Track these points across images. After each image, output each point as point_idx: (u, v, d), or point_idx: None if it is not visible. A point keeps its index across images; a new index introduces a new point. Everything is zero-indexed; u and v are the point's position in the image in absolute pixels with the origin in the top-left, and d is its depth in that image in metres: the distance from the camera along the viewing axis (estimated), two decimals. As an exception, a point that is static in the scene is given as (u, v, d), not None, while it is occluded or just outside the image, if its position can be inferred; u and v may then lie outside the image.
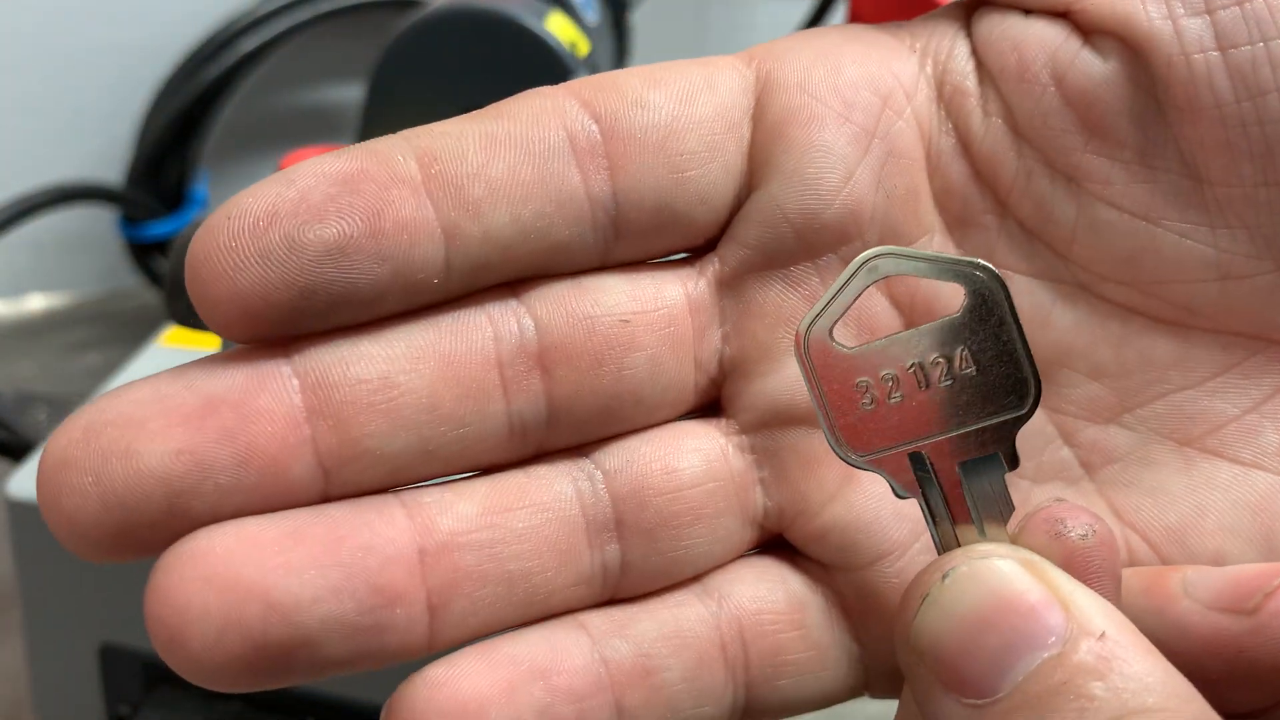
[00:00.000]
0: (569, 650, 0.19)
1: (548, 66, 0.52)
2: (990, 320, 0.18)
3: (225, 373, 0.18)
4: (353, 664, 0.18)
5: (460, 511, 0.19)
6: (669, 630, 0.19)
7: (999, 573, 0.16)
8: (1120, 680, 0.15)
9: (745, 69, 0.20)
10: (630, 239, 0.20)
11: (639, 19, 0.69)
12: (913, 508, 0.19)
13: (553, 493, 0.19)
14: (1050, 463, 0.21)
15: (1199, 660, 0.18)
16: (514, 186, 0.18)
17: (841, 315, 0.18)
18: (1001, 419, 0.18)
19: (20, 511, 0.37)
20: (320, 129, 0.77)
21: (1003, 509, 0.18)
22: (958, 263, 0.18)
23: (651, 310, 0.20)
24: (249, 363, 0.18)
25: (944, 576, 0.17)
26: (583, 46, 0.54)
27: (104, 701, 0.39)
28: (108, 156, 0.71)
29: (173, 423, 0.17)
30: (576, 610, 0.19)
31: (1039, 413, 0.18)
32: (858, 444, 0.18)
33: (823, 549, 0.20)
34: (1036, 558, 0.17)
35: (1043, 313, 0.20)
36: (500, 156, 0.19)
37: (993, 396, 0.18)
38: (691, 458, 0.20)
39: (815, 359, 0.18)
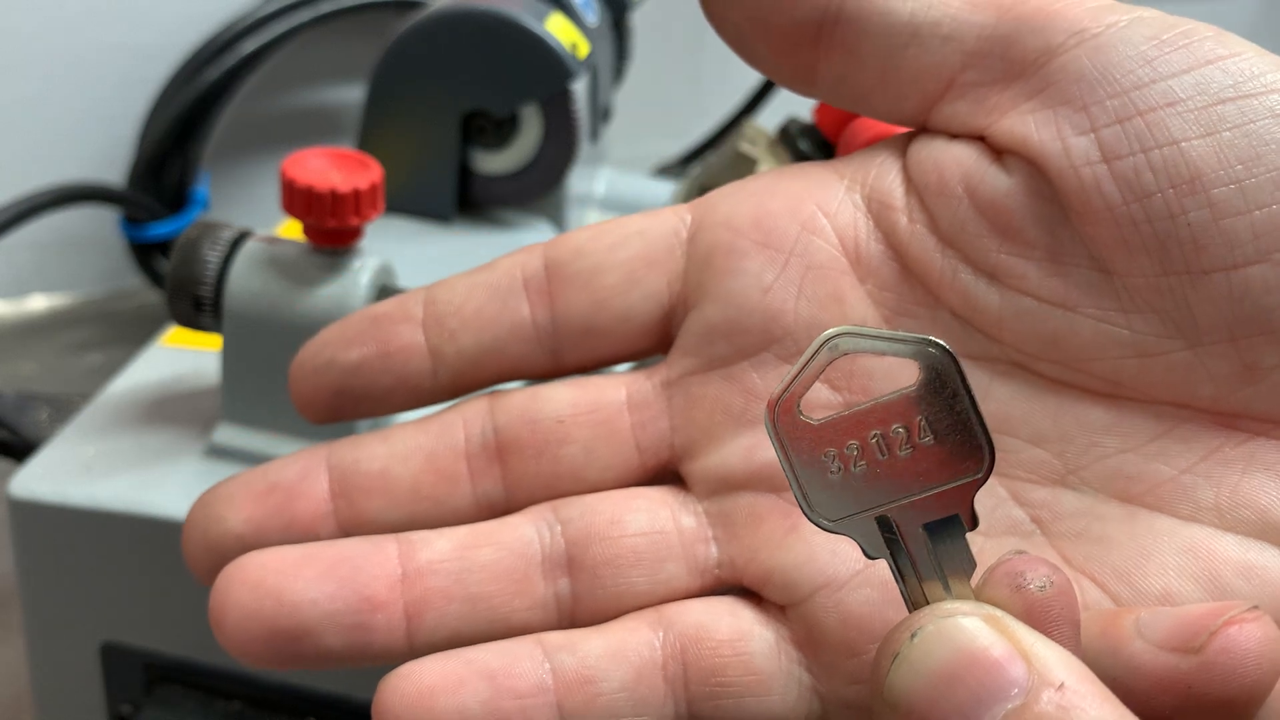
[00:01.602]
0: (520, 658, 0.23)
1: (548, 68, 0.52)
2: (944, 392, 0.19)
3: (287, 466, 0.26)
4: (349, 656, 0.23)
5: (438, 547, 0.24)
6: (614, 649, 0.23)
7: (964, 630, 0.18)
8: None
9: (685, 215, 0.26)
10: (571, 351, 0.26)
11: (639, 20, 0.69)
12: (848, 548, 0.21)
13: (516, 535, 0.24)
14: (1003, 520, 0.23)
15: (1153, 698, 0.19)
16: (479, 319, 0.26)
17: (806, 390, 0.19)
18: (960, 483, 0.19)
19: (22, 511, 0.37)
20: (321, 130, 0.78)
21: (965, 566, 0.19)
22: (912, 340, 0.19)
23: (586, 412, 0.25)
24: (303, 460, 0.26)
25: (913, 635, 0.18)
26: (583, 48, 0.54)
27: (105, 700, 0.40)
28: (109, 157, 0.71)
29: (247, 499, 0.25)
30: (538, 630, 0.24)
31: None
32: (827, 510, 0.19)
33: (770, 589, 0.24)
34: (998, 612, 0.18)
35: (981, 387, 0.23)
36: (474, 298, 0.26)
37: (951, 462, 0.19)
38: (639, 515, 0.24)
39: (784, 431, 0.19)
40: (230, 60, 0.67)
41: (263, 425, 0.38)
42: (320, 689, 0.38)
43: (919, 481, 0.19)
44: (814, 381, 0.19)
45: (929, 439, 0.19)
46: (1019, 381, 0.23)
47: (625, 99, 0.69)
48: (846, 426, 0.19)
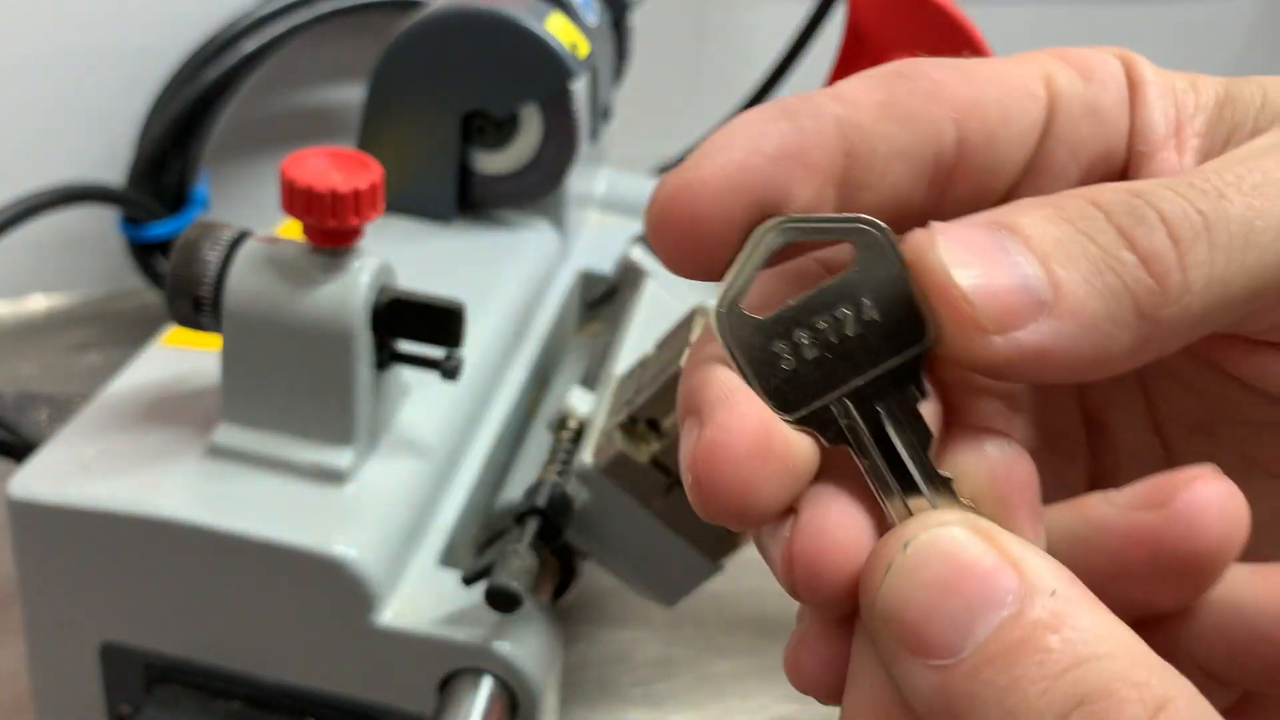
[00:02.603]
0: None
1: (548, 68, 0.52)
2: (882, 267, 0.19)
3: None
4: None
5: None
6: None
7: (955, 540, 0.18)
8: (1073, 632, 0.16)
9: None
10: None
11: (639, 20, 0.69)
12: None
13: None
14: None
15: (1124, 555, 0.19)
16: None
17: (748, 286, 0.19)
18: (907, 355, 0.19)
19: (21, 511, 0.37)
20: (321, 130, 0.78)
21: (922, 438, 0.19)
22: (845, 220, 0.19)
23: None
24: None
25: (905, 546, 0.18)
26: (583, 48, 0.54)
27: (105, 700, 0.40)
28: (109, 157, 0.71)
29: None
30: None
31: None
32: (785, 405, 0.19)
33: None
34: (985, 523, 0.18)
35: None
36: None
37: (896, 336, 0.19)
38: None
39: (733, 332, 0.19)
40: (230, 60, 0.67)
41: (263, 425, 0.38)
42: (320, 689, 0.38)
43: (869, 361, 0.19)
44: (754, 276, 0.19)
45: (874, 316, 0.19)
46: None
47: (625, 99, 0.69)
48: (793, 317, 0.19)
